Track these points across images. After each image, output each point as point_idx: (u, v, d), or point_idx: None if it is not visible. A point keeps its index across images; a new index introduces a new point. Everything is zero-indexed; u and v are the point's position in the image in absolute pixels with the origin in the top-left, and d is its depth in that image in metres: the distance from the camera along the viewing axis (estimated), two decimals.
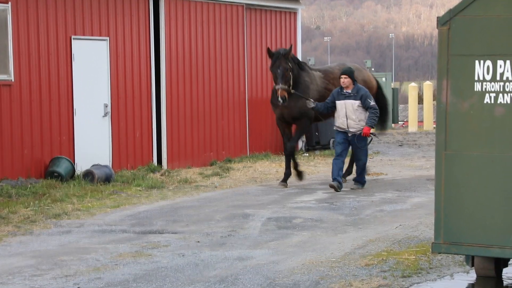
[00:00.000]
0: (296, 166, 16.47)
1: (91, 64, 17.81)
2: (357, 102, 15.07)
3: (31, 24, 16.55)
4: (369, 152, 23.25)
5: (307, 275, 9.01)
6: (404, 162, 21.03)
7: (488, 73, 8.21)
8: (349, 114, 15.12)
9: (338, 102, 15.23)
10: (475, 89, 8.25)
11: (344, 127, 15.23)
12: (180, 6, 19.87)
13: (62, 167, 16.52)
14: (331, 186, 15.14)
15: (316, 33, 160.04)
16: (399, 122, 36.80)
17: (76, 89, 17.41)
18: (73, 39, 17.39)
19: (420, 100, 37.10)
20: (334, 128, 15.68)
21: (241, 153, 21.52)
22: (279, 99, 15.60)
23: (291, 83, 15.86)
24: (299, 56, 23.76)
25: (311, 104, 15.59)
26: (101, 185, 16.18)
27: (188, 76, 20.12)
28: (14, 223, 12.55)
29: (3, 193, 14.73)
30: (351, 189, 15.50)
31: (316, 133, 23.03)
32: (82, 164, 17.07)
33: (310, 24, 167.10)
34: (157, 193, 15.82)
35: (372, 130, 15.81)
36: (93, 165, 16.86)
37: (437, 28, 8.34)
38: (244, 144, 21.82)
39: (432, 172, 8.55)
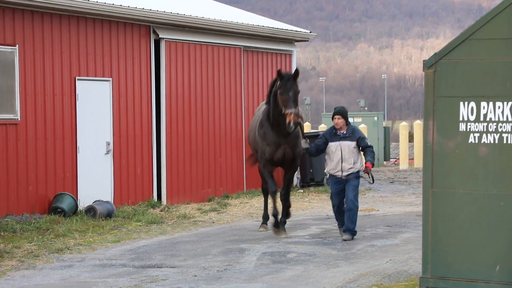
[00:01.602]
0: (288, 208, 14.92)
1: (94, 104, 17.84)
2: (353, 143, 13.67)
3: (37, 65, 16.60)
4: (361, 188, 23.34)
5: None
6: (395, 199, 21.00)
7: (472, 114, 8.24)
8: (344, 156, 13.63)
9: (332, 144, 13.70)
10: (460, 129, 8.28)
11: (338, 170, 13.71)
12: (180, 48, 19.94)
13: (65, 203, 16.47)
14: (345, 240, 13.67)
15: (311, 74, 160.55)
16: (391, 160, 36.76)
17: (79, 128, 17.42)
18: (78, 79, 17.43)
19: (411, 139, 37.09)
20: (326, 171, 14.38)
21: (238, 189, 21.49)
22: (291, 125, 13.45)
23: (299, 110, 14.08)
24: None
25: (306, 144, 13.94)
26: (102, 220, 16.13)
27: (187, 115, 20.14)
28: (18, 258, 12.50)
29: (8, 229, 14.68)
30: (343, 240, 13.66)
31: (311, 170, 22.99)
32: (84, 200, 17.03)
33: (306, 65, 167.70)
34: (157, 228, 15.79)
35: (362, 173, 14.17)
36: (95, 201, 16.83)
37: (423, 71, 8.39)
38: (241, 180, 21.79)
39: (421, 209, 8.55)
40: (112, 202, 17.48)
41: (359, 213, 16.85)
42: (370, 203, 19.87)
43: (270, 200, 14.81)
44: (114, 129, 18.27)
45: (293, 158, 14.49)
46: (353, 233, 13.80)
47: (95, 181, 17.66)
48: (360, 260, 12.04)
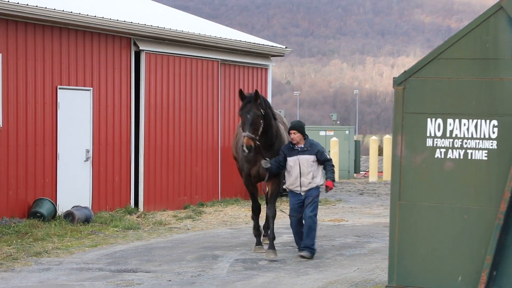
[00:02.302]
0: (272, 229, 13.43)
1: (75, 112, 17.79)
2: (312, 157, 12.82)
3: (20, 73, 16.54)
4: (332, 199, 23.42)
5: None
6: (364, 210, 21.08)
7: (439, 130, 8.32)
8: (303, 171, 12.77)
9: (290, 159, 12.82)
10: (427, 145, 8.36)
11: (297, 185, 12.88)
12: (160, 60, 19.95)
13: (44, 208, 16.40)
14: (304, 257, 12.73)
15: (286, 88, 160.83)
16: (361, 172, 36.92)
17: (60, 135, 17.36)
18: (59, 88, 17.39)
19: (381, 152, 37.32)
20: (285, 187, 13.33)
21: (213, 198, 21.50)
22: (244, 148, 12.56)
23: (259, 133, 12.81)
24: None
25: (268, 164, 12.81)
26: (80, 225, 16.08)
27: (165, 125, 20.14)
28: None
29: None
30: (302, 256, 12.77)
31: (284, 181, 22.96)
32: (63, 205, 16.96)
33: (281, 79, 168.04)
34: (133, 234, 15.75)
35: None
36: (73, 207, 16.77)
37: (393, 87, 8.46)
38: (216, 189, 21.80)
39: (389, 220, 8.61)
40: (90, 208, 17.42)
41: (328, 223, 16.97)
42: (340, 214, 19.93)
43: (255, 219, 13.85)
44: (94, 137, 18.23)
45: (274, 174, 13.20)
46: (311, 251, 12.84)
47: (74, 187, 17.60)
48: (329, 268, 12.08)
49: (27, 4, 16.22)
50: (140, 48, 19.30)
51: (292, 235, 13.99)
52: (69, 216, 16.41)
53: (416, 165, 8.40)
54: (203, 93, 21.37)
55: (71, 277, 11.29)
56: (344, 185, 29.65)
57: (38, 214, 16.21)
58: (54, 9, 16.82)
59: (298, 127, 12.96)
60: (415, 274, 8.40)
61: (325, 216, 19.14)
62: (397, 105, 8.50)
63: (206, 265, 12.20)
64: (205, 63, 21.48)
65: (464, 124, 8.26)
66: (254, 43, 23.37)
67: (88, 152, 18.05)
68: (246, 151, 12.59)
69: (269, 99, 23.97)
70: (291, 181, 12.96)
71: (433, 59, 8.37)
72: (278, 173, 13.22)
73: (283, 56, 25.73)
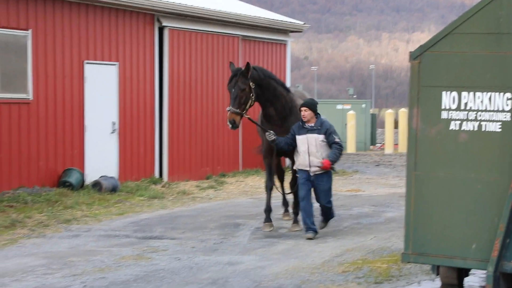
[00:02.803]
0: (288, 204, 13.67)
1: (101, 86, 17.87)
2: (321, 137, 11.75)
3: (48, 49, 16.61)
4: (349, 170, 23.41)
5: (290, 279, 9.05)
6: (380, 181, 21.08)
7: (453, 103, 8.29)
8: (311, 150, 11.74)
9: (299, 137, 11.82)
10: (442, 117, 8.32)
11: (306, 165, 11.83)
12: (182, 36, 19.96)
13: (73, 178, 16.53)
14: (308, 239, 11.80)
15: (304, 63, 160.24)
16: (377, 144, 36.82)
17: (87, 108, 17.46)
18: (86, 63, 17.45)
19: (396, 125, 37.16)
20: (294, 167, 12.25)
21: (234, 169, 21.57)
22: (228, 122, 11.94)
23: (247, 107, 12.09)
24: (288, 83, 23.85)
25: (272, 136, 11.93)
26: (107, 194, 16.19)
27: (188, 98, 20.19)
28: (29, 227, 12.58)
29: (20, 200, 14.74)
30: (320, 228, 12.28)
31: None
32: (91, 175, 17.09)
33: (299, 54, 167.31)
34: (158, 203, 15.86)
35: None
36: (101, 176, 16.88)
37: (409, 62, 8.43)
38: (237, 160, 21.86)
39: (404, 190, 8.61)
40: (117, 178, 17.54)
41: (346, 193, 17.01)
42: (357, 184, 19.95)
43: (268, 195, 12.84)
44: (120, 110, 18.31)
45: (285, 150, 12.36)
46: (332, 216, 12.46)
47: (101, 158, 17.71)
48: (346, 236, 12.12)
49: None
50: (164, 24, 19.32)
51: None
52: (96, 185, 16.53)
53: (431, 137, 8.38)
54: (224, 67, 21.35)
55: (99, 243, 11.41)
56: (360, 156, 29.63)
57: (67, 184, 16.34)
58: None
59: (310, 104, 11.95)
60: (430, 242, 8.41)
61: (342, 187, 19.17)
62: (413, 78, 8.47)
63: (228, 233, 12.28)
64: (226, 38, 21.46)
65: (478, 97, 8.22)
66: (273, 19, 23.32)
67: (114, 124, 18.14)
68: (230, 125, 11.93)
69: (288, 74, 23.96)
70: (300, 161, 11.92)
71: (448, 34, 8.32)
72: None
73: (301, 32, 25.65)
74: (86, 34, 17.43)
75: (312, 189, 12.01)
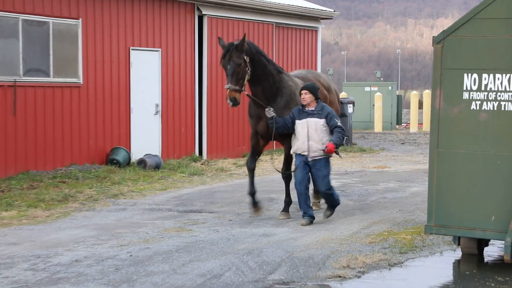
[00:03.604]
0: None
1: (145, 71, 17.93)
2: (322, 121, 10.63)
3: (97, 36, 16.70)
4: (376, 148, 23.29)
5: (320, 250, 9.04)
6: (405, 158, 20.96)
7: (474, 84, 8.21)
8: (311, 134, 10.60)
9: (298, 122, 10.69)
10: (463, 98, 8.26)
11: (304, 149, 10.67)
12: (220, 23, 19.95)
13: (120, 156, 16.64)
14: (303, 225, 10.72)
15: (334, 48, 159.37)
16: (402, 124, 36.58)
17: (132, 91, 17.54)
18: (131, 49, 17.52)
19: (421, 106, 36.89)
20: (292, 152, 10.98)
21: (269, 147, 21.51)
22: (228, 101, 10.73)
23: (245, 83, 10.82)
24: (319, 67, 23.76)
25: (271, 113, 10.75)
26: (151, 171, 16.29)
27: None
28: (80, 201, 12.70)
29: (72, 176, 14.89)
30: (326, 217, 11.17)
31: None
32: (136, 154, 17.20)
33: (330, 40, 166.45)
34: (198, 179, 15.91)
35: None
36: (145, 155, 16.98)
37: (432, 46, 8.35)
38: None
39: (428, 166, 8.58)
40: (160, 156, 17.62)
41: (373, 169, 16.88)
42: (383, 161, 19.85)
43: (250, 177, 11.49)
44: (162, 93, 18.37)
45: (279, 133, 11.02)
46: (337, 202, 11.20)
47: (145, 137, 17.81)
48: (373, 210, 12.09)
49: None
50: (203, 12, 19.30)
51: (339, 181, 13.94)
52: (141, 163, 16.62)
53: (453, 116, 8.32)
54: None
55: (144, 216, 11.49)
56: (387, 135, 29.47)
57: (114, 161, 16.46)
58: None
59: (310, 87, 10.80)
60: (452, 214, 8.37)
61: (369, 164, 19.10)
62: (436, 62, 8.40)
63: (262, 207, 12.26)
64: (261, 25, 21.41)
65: (498, 79, 8.13)
66: (305, 7, 23.19)
67: (157, 106, 18.21)
68: (231, 103, 10.73)
69: (319, 58, 23.85)
70: (298, 145, 10.75)
71: (470, 19, 8.23)
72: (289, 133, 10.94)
73: (332, 19, 25.49)
74: (131, 23, 17.49)
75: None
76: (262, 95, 11.06)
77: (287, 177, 11.47)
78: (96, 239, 9.67)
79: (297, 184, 10.81)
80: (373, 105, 32.84)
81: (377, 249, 9.04)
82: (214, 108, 19.83)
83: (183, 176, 16.10)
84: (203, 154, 19.45)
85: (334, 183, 15.10)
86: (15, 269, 8.13)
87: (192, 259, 8.57)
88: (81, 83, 16.33)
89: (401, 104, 36.66)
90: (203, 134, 19.52)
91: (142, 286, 7.44)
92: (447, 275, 8.33)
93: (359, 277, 7.91)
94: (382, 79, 77.88)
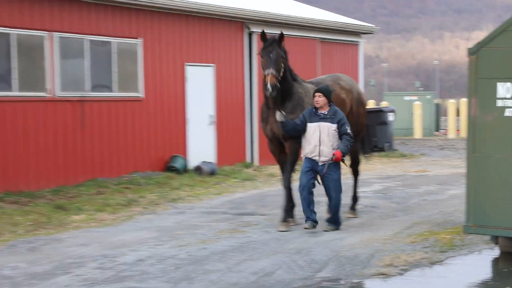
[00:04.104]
0: (290, 201, 10.77)
1: (200, 85, 18.06)
2: (334, 126, 9.91)
3: (156, 54, 16.89)
4: (417, 153, 23.07)
5: (365, 249, 9.01)
6: (444, 162, 20.73)
7: (507, 92, 8.12)
8: (323, 139, 9.86)
9: (310, 125, 9.95)
10: (497, 105, 8.17)
11: (315, 154, 9.93)
12: None
13: (178, 163, 16.78)
14: (306, 228, 10.19)
15: (376, 61, 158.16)
16: (441, 130, 36.16)
17: (188, 104, 17.68)
18: (187, 65, 17.67)
19: (458, 113, 36.43)
20: (302, 155, 10.26)
21: None
22: (268, 86, 9.77)
23: (281, 75, 10.07)
24: (361, 79, 23.66)
25: (282, 117, 9.93)
26: (207, 177, 16.37)
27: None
28: (143, 205, 12.82)
29: (135, 182, 15.04)
30: (324, 230, 10.21)
31: (374, 138, 22.78)
32: (193, 161, 17.31)
33: (371, 53, 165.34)
34: (250, 184, 15.94)
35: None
36: (201, 162, 17.08)
37: (467, 57, 8.29)
38: None
39: (465, 170, 8.51)
40: (215, 162, 17.71)
41: (414, 173, 16.71)
42: (423, 165, 19.66)
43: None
44: (217, 105, 18.49)
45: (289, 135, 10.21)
46: (335, 225, 10.31)
47: (201, 146, 17.92)
48: (414, 211, 11.99)
49: None
50: (252, 30, 19.39)
51: (382, 185, 13.83)
52: (198, 169, 16.74)
53: (488, 123, 8.24)
54: (305, 65, 21.30)
55: (201, 219, 11.56)
56: (426, 141, 29.18)
57: (173, 168, 16.60)
58: (182, 0, 17.06)
59: (324, 90, 10.01)
60: (488, 215, 8.28)
61: (410, 168, 18.95)
62: (471, 72, 8.33)
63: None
64: (306, 41, 21.41)
65: None
66: (347, 23, 23.13)
67: (211, 117, 18.32)
68: (270, 89, 9.81)
69: (360, 70, 23.74)
70: (309, 149, 10.02)
71: (503, 32, 8.15)
72: (297, 136, 10.20)
73: (372, 33, 25.34)
74: (186, 40, 17.66)
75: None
76: (276, 97, 10.15)
77: (283, 182, 10.61)
78: (158, 240, 9.76)
79: (301, 189, 10.08)
80: (413, 113, 32.54)
81: (419, 248, 8.97)
82: None
83: (236, 181, 16.15)
84: (254, 161, 19.49)
85: (377, 186, 15.13)
86: (85, 268, 8.26)
87: (245, 258, 8.60)
88: (142, 96, 16.52)
89: (439, 112, 36.30)
90: (254, 142, 19.56)
91: (200, 284, 7.50)
92: (486, 272, 8.23)
93: (401, 274, 7.86)
94: (421, 89, 77.15)
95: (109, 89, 15.86)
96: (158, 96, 16.91)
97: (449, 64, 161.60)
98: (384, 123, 22.72)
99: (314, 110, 10.03)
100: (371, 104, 38.06)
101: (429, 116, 34.00)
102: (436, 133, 34.88)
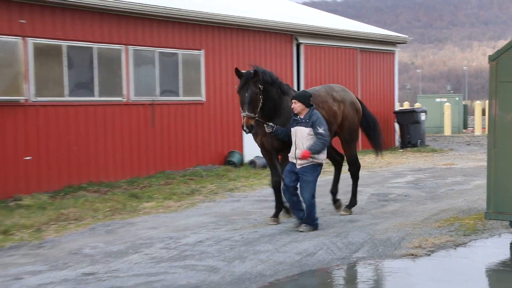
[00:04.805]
0: (282, 203, 9.87)
1: None
2: (308, 130, 8.95)
3: (216, 63, 16.95)
4: (446, 148, 22.66)
5: (396, 232, 8.89)
6: (470, 156, 20.33)
7: None
8: (297, 143, 8.98)
9: (292, 129, 9.14)
10: None
11: (293, 157, 9.06)
12: (314, 50, 19.89)
13: (235, 158, 16.82)
14: (292, 228, 9.30)
15: (411, 67, 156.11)
16: (468, 128, 35.47)
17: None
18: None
19: (484, 113, 35.72)
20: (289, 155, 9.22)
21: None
22: (244, 128, 9.07)
23: (258, 110, 9.20)
24: (396, 84, 23.35)
25: (269, 128, 9.25)
26: (260, 170, 16.36)
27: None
28: (204, 194, 12.88)
29: (197, 174, 15.13)
30: (300, 231, 9.09)
31: (408, 135, 22.51)
32: (248, 156, 17.32)
33: (407, 60, 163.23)
34: None
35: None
36: (255, 157, 17.08)
37: (488, 63, 8.11)
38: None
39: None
40: None
41: (442, 166, 16.42)
42: (451, 159, 19.30)
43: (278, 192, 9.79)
44: None
45: (277, 148, 9.53)
46: (311, 226, 9.20)
47: (255, 143, 17.85)
48: (442, 199, 11.79)
49: (219, 13, 16.57)
50: (299, 41, 19.31)
51: (414, 176, 13.60)
52: (252, 163, 16.74)
53: (507, 121, 8.04)
54: (345, 72, 21.16)
55: (254, 206, 11.56)
56: (455, 138, 28.64)
57: (231, 162, 16.64)
58: (238, 16, 17.10)
59: (299, 97, 9.09)
60: (507, 202, 8.09)
61: (439, 161, 18.62)
62: (492, 76, 8.14)
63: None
64: (347, 50, 21.22)
65: None
66: (384, 34, 22.85)
67: None
68: (247, 130, 9.12)
69: (396, 76, 23.41)
70: (291, 152, 9.19)
71: None
72: (287, 146, 9.36)
73: (406, 43, 24.98)
74: (242, 51, 17.67)
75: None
76: (261, 116, 9.33)
77: (273, 184, 9.74)
78: (215, 225, 9.80)
79: (284, 192, 9.21)
80: (443, 113, 32.01)
81: (445, 232, 8.82)
82: None
83: None
84: None
85: (409, 177, 14.92)
86: (153, 248, 8.34)
87: (291, 240, 8.57)
88: (204, 100, 16.61)
89: (467, 112, 35.66)
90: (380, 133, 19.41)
91: (251, 262, 7.50)
92: (505, 253, 8.02)
93: (429, 255, 7.73)
94: (451, 91, 75.82)
95: (176, 93, 15.99)
96: (217, 99, 16.97)
97: (477, 70, 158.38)
98: (417, 122, 22.42)
99: (294, 115, 9.18)
100: (405, 105, 37.53)
101: (457, 116, 33.39)
102: (464, 130, 34.24)
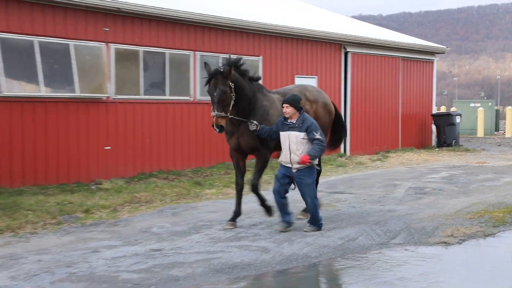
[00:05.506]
0: (263, 201, 8.68)
1: None
2: (302, 134, 7.91)
3: (272, 68, 16.89)
4: (478, 148, 22.00)
5: (431, 222, 8.65)
6: (501, 156, 19.69)
7: None
8: (292, 147, 7.94)
9: (281, 134, 8.03)
10: None
11: (287, 162, 8.01)
12: (360, 58, 19.60)
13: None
14: (279, 230, 8.18)
15: (449, 75, 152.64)
16: (500, 131, 34.39)
17: None
18: (296, 76, 17.57)
19: None
20: (278, 160, 8.28)
21: (395, 147, 20.95)
22: (214, 127, 7.77)
23: (231, 108, 7.94)
24: (434, 91, 22.80)
25: (253, 126, 8.10)
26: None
27: (364, 100, 19.82)
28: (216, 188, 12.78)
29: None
30: (304, 231, 8.14)
31: (444, 136, 21.97)
32: None
33: (445, 69, 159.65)
34: (342, 169, 15.69)
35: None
36: None
37: None
38: (397, 141, 21.20)
39: None
40: None
41: (475, 164, 15.94)
42: (483, 158, 18.73)
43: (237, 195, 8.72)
44: None
45: (253, 147, 8.36)
46: (316, 227, 8.22)
47: None
48: (473, 194, 11.42)
49: (277, 24, 16.50)
50: (347, 50, 19.05)
51: (448, 173, 13.25)
52: None
53: None
54: (388, 78, 20.78)
55: None
56: (487, 139, 27.82)
57: None
58: (293, 26, 16.99)
59: (291, 100, 8.01)
60: None
61: (472, 160, 18.09)
62: None
63: (388, 190, 11.94)
64: (391, 59, 20.83)
65: None
66: (424, 45, 22.35)
67: None
68: (217, 130, 7.80)
69: (434, 83, 22.87)
70: (283, 157, 8.12)
71: None
72: (264, 146, 8.39)
73: (444, 53, 24.34)
74: (296, 57, 17.56)
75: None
76: (236, 115, 8.14)
77: (253, 187, 8.51)
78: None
79: (275, 193, 8.17)
80: (477, 117, 31.14)
81: (475, 223, 8.53)
82: (355, 118, 19.51)
83: (331, 167, 15.95)
84: (346, 152, 19.18)
85: (444, 173, 14.53)
86: (212, 229, 8.34)
87: (334, 226, 8.45)
88: None
89: (498, 116, 34.61)
90: (346, 137, 19.23)
91: (298, 245, 7.41)
92: None
93: (460, 243, 7.48)
94: (485, 98, 73.73)
95: None
96: None
97: (509, 79, 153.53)
98: (452, 124, 21.89)
99: (284, 119, 8.08)
100: (442, 109, 36.64)
101: (490, 119, 32.44)
102: (496, 133, 33.24)
